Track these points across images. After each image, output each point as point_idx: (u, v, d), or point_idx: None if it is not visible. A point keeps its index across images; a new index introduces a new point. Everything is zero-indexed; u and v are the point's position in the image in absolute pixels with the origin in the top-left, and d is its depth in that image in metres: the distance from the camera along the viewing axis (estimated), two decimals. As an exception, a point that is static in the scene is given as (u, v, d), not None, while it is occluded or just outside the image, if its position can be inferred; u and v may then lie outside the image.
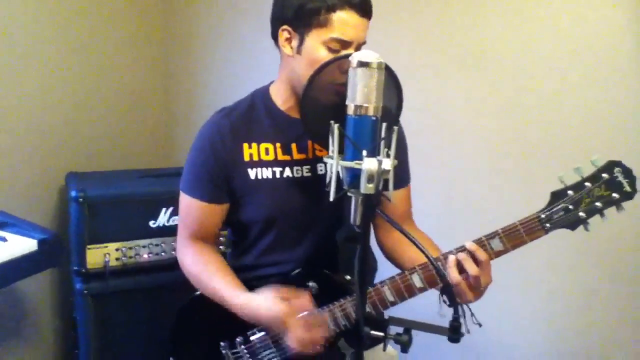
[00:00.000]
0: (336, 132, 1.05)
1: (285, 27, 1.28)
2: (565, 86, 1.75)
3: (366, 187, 0.95)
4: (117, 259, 2.03)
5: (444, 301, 1.15)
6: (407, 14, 2.05)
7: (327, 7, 1.21)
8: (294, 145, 1.39)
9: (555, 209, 1.18)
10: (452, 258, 1.20)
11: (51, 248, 1.75)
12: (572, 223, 1.18)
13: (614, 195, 1.15)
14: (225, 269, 1.40)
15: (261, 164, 1.37)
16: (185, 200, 1.43)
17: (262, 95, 1.42)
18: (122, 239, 2.04)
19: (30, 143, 2.32)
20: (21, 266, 1.69)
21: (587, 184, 1.16)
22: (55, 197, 2.41)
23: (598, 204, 1.16)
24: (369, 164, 0.95)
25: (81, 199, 1.98)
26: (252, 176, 1.37)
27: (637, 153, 1.63)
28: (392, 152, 1.05)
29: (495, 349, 1.95)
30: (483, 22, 1.89)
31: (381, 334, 1.01)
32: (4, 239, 1.71)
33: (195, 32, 2.74)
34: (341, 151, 1.05)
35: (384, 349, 1.09)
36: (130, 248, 2.05)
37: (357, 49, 1.24)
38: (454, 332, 0.97)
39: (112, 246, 2.03)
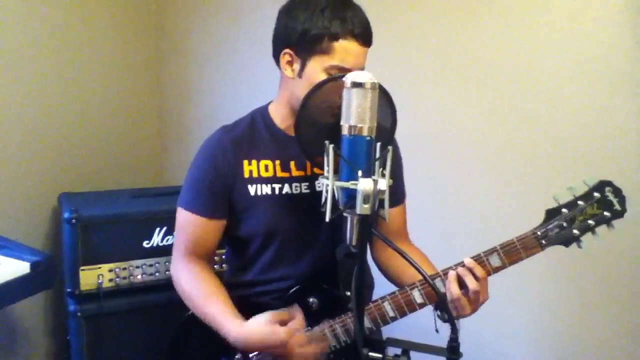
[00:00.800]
0: (331, 152, 1.05)
1: (287, 50, 1.30)
2: (564, 92, 1.76)
3: (362, 208, 0.95)
4: (110, 280, 2.01)
5: (438, 316, 1.19)
6: (405, 21, 2.06)
7: (330, 35, 1.24)
8: (292, 163, 1.40)
9: (550, 226, 1.22)
10: (452, 273, 1.23)
11: (44, 271, 1.73)
12: (567, 240, 1.22)
13: (606, 213, 1.20)
14: (220, 292, 1.38)
15: (260, 180, 1.39)
16: (183, 216, 1.43)
17: (261, 114, 1.45)
18: (116, 259, 2.02)
19: (22, 164, 2.31)
20: (14, 289, 1.66)
21: (580, 202, 1.21)
22: (48, 218, 2.39)
23: (590, 221, 1.20)
24: (364, 185, 0.95)
25: (74, 220, 1.97)
26: (252, 192, 1.38)
27: (637, 158, 1.65)
28: (387, 172, 1.05)
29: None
30: (482, 29, 1.90)
31: (379, 355, 1.00)
32: (-4, 262, 1.70)
33: (188, 53, 2.74)
34: (337, 171, 1.06)
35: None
36: (124, 269, 2.03)
37: None
38: (453, 353, 0.96)
39: (105, 267, 2.01)
